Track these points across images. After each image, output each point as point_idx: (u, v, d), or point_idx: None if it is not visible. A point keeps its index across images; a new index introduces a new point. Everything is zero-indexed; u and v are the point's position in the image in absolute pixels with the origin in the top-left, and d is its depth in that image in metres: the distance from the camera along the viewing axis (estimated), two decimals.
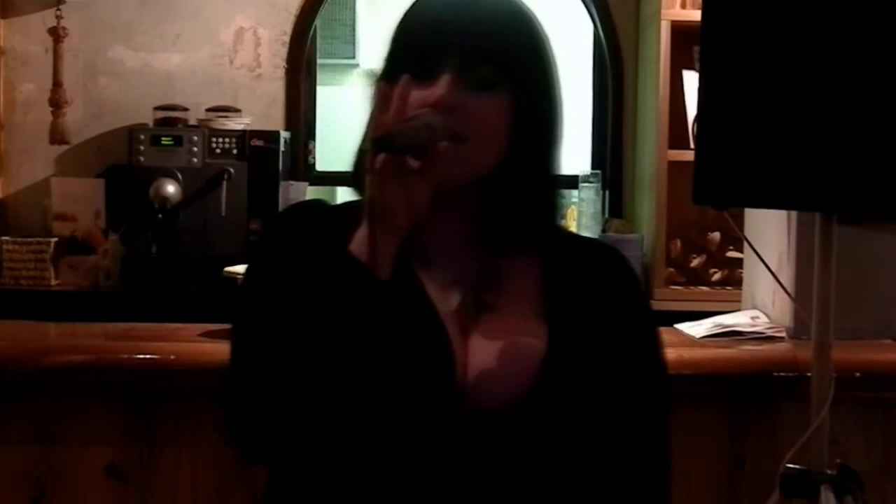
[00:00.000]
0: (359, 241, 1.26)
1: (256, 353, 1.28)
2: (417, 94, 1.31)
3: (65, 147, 4.24)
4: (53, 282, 4.06)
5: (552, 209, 1.45)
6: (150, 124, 4.17)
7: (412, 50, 1.37)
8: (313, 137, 4.58)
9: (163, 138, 4.06)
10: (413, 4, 1.42)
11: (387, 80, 1.34)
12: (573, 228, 4.33)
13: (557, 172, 1.43)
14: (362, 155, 1.35)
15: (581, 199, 4.29)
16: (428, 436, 1.32)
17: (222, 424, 1.33)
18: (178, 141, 4.05)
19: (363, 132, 1.38)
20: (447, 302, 1.36)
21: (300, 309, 1.25)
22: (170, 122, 4.14)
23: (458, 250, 1.38)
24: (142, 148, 4.04)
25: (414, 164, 1.25)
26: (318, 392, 1.24)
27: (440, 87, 1.32)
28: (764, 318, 2.48)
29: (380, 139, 1.24)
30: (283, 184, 4.14)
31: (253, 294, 1.37)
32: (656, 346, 1.46)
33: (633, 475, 1.42)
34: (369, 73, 1.44)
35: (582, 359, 1.37)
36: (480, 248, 1.39)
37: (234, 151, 4.05)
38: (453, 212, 1.37)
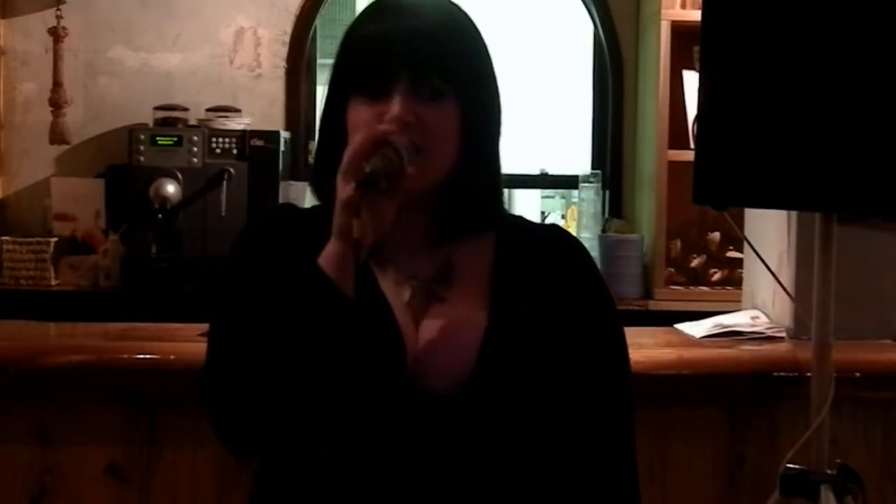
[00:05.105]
0: (327, 258, 1.35)
1: (233, 352, 1.37)
2: (373, 111, 1.39)
3: (65, 147, 4.24)
4: (53, 282, 4.06)
5: (498, 200, 1.52)
6: (150, 124, 4.17)
7: (362, 69, 1.41)
8: (313, 137, 4.57)
9: (163, 138, 4.05)
10: (354, 24, 1.47)
11: (341, 99, 1.42)
12: (573, 228, 4.34)
13: (500, 164, 1.51)
14: (324, 167, 1.43)
15: (581, 199, 4.29)
16: (386, 422, 1.39)
17: (207, 418, 1.41)
18: (178, 141, 4.04)
19: (320, 147, 1.48)
20: (401, 297, 1.45)
21: (273, 314, 1.34)
22: (170, 122, 4.14)
23: (413, 249, 1.47)
24: (142, 148, 4.04)
25: (381, 189, 1.32)
26: (288, 389, 1.33)
27: (395, 104, 1.38)
28: (764, 318, 2.47)
29: (365, 180, 1.30)
30: (283, 184, 4.14)
31: (228, 295, 1.45)
32: (610, 319, 1.51)
33: (597, 450, 1.46)
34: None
35: (524, 333, 1.43)
36: (433, 244, 1.47)
37: (234, 151, 4.05)
38: (408, 214, 1.42)
